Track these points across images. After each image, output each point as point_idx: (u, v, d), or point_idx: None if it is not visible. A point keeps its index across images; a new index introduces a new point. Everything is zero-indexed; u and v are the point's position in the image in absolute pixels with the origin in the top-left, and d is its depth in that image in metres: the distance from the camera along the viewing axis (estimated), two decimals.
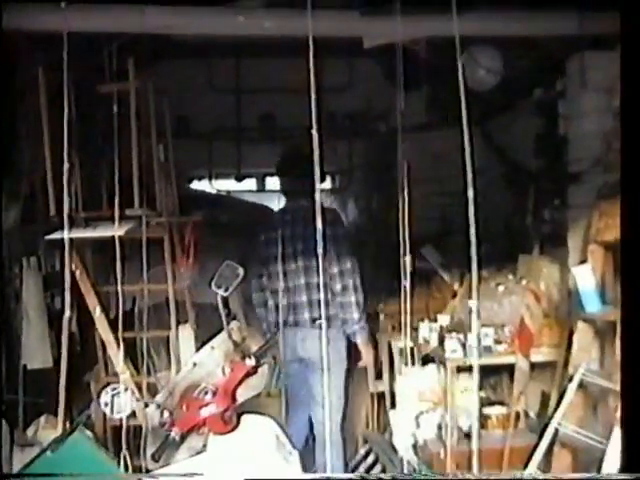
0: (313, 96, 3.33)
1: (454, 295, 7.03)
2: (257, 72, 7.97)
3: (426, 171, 7.93)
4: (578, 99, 5.69)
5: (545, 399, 6.10)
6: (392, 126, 8.27)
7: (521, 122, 6.80)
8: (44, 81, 5.24)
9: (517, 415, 6.07)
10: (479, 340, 6.01)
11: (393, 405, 6.66)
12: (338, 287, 6.12)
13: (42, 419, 5.84)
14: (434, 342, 6.53)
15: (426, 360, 6.60)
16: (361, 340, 6.36)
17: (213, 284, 5.15)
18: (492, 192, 6.62)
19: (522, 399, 6.08)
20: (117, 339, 5.33)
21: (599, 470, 4.62)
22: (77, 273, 5.44)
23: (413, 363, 6.75)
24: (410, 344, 6.89)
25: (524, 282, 6.29)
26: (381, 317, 7.08)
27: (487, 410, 6.32)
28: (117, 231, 4.86)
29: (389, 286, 6.49)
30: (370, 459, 6.68)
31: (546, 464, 5.18)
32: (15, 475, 3.93)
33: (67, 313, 4.67)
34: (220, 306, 5.04)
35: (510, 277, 6.35)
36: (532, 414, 6.22)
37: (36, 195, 5.93)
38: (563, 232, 6.14)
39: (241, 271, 5.17)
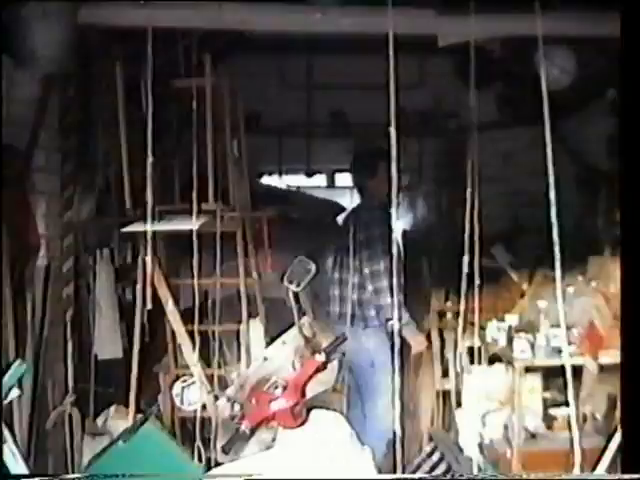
0: (392, 95, 3.31)
1: (522, 295, 7.01)
2: (328, 68, 7.99)
3: (495, 170, 7.92)
4: None
5: (611, 401, 6.07)
6: (462, 124, 8.32)
7: (595, 122, 6.75)
8: (121, 75, 5.30)
9: (584, 417, 6.05)
10: (550, 341, 6.03)
11: (459, 404, 6.65)
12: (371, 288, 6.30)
13: (112, 409, 5.93)
14: (502, 342, 6.52)
15: (494, 360, 6.61)
16: (408, 334, 6.40)
17: (285, 279, 5.20)
18: (564, 192, 6.57)
19: (589, 401, 6.06)
20: (189, 332, 5.40)
21: None
22: (149, 266, 5.49)
23: (480, 362, 6.77)
24: (478, 343, 6.97)
25: (594, 283, 6.26)
26: (448, 315, 7.05)
27: (553, 411, 6.32)
28: (193, 225, 4.92)
29: (457, 284, 6.48)
30: (435, 457, 6.67)
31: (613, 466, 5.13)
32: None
33: (148, 305, 4.78)
34: (292, 301, 5.09)
35: (580, 278, 6.31)
36: (599, 416, 6.18)
37: (110, 188, 6.01)
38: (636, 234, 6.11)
39: (313, 267, 5.21)
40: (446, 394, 7.07)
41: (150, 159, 3.79)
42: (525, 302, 6.82)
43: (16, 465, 3.95)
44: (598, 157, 6.79)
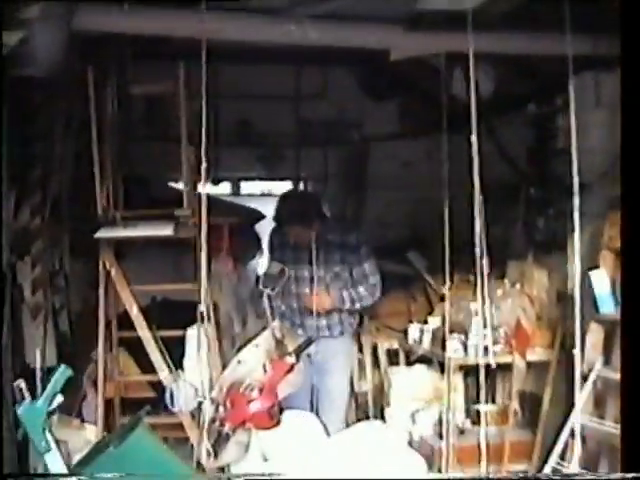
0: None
1: (442, 298, 7.31)
2: (235, 78, 8.06)
3: (399, 178, 8.23)
4: (584, 115, 6.04)
5: (536, 398, 6.43)
6: (365, 134, 8.59)
7: (518, 134, 7.12)
8: (92, 80, 5.28)
9: (515, 412, 6.41)
10: (481, 340, 6.34)
11: (388, 403, 6.88)
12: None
13: (55, 417, 5.85)
14: (426, 343, 6.82)
15: (419, 360, 6.90)
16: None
17: (260, 284, 5.32)
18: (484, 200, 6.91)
19: (517, 397, 6.42)
20: (155, 337, 5.44)
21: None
22: (112, 272, 5.50)
23: (408, 363, 7.07)
24: (399, 345, 7.26)
25: (518, 286, 6.64)
26: (365, 319, 7.26)
27: (481, 407, 6.64)
28: (168, 230, 4.97)
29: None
30: None
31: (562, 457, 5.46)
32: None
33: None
34: (266, 305, 5.22)
35: (506, 281, 6.67)
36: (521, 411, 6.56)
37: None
38: (555, 240, 6.53)
39: (286, 271, 5.35)
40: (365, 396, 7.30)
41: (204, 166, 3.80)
42: (447, 305, 7.12)
43: None
44: (519, 167, 7.18)
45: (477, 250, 4.60)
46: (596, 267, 5.50)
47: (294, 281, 5.72)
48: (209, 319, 5.87)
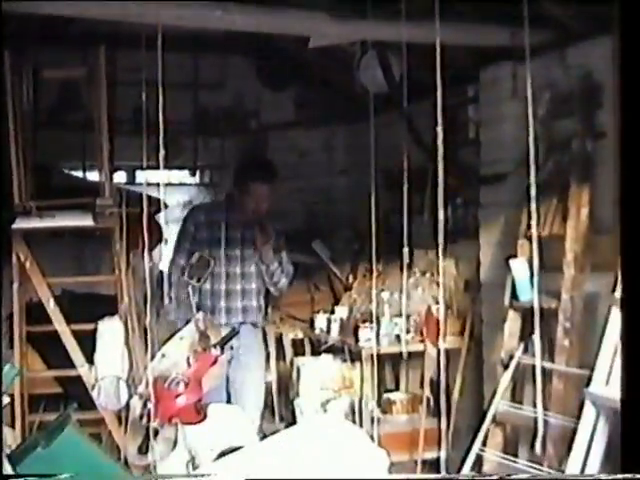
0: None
1: (347, 288, 7.33)
2: (131, 64, 7.87)
3: (297, 167, 8.20)
4: (494, 106, 6.13)
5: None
6: (262, 123, 8.51)
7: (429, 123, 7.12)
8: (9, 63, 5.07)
9: (427, 400, 6.46)
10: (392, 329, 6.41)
11: (297, 394, 6.85)
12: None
13: None
14: (334, 332, 6.82)
15: (325, 350, 6.89)
16: None
17: (186, 275, 5.20)
18: (391, 189, 6.94)
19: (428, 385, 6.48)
20: (72, 331, 5.26)
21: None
22: (27, 264, 5.30)
23: (315, 353, 7.05)
24: (304, 334, 7.24)
25: (428, 275, 6.69)
26: (269, 309, 7.21)
27: (392, 396, 6.70)
28: (89, 220, 4.82)
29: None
30: None
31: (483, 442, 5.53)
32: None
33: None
34: (190, 296, 5.10)
35: (416, 270, 6.71)
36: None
37: None
38: (464, 228, 6.61)
39: (212, 262, 5.25)
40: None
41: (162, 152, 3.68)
42: (354, 294, 7.14)
43: None
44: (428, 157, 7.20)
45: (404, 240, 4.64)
46: (514, 256, 5.55)
47: (224, 262, 5.66)
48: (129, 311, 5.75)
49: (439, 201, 4.19)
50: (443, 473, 4.80)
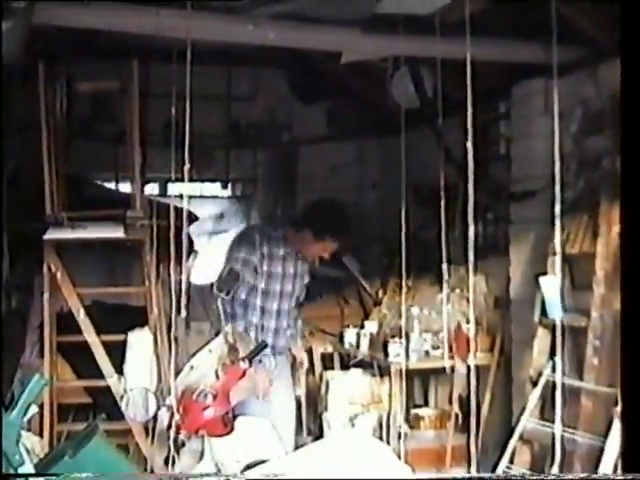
0: None
1: (377, 303, 7.33)
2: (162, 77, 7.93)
3: (328, 181, 8.21)
4: (525, 122, 6.12)
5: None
6: (295, 137, 8.53)
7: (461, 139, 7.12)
8: (43, 75, 5.12)
9: (456, 417, 6.43)
10: (420, 345, 6.40)
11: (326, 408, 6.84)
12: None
13: None
14: (364, 347, 6.81)
15: (354, 365, 6.88)
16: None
17: (215, 288, 5.22)
18: (422, 205, 6.94)
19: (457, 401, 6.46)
20: (102, 342, 5.29)
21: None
22: (58, 275, 5.34)
23: (344, 367, 7.04)
24: (333, 349, 7.23)
25: (457, 290, 6.67)
26: (299, 323, 7.20)
27: (420, 412, 6.68)
28: (117, 233, 4.85)
29: (307, 293, 6.67)
30: None
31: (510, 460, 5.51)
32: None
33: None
34: (220, 309, 5.11)
35: (445, 286, 6.68)
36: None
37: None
38: (494, 245, 6.59)
39: (241, 276, 5.26)
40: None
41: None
42: (384, 309, 7.14)
43: None
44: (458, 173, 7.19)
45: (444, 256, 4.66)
46: (544, 273, 5.53)
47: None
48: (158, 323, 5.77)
49: (469, 217, 4.19)
50: None
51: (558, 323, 5.25)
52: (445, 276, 4.80)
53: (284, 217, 8.19)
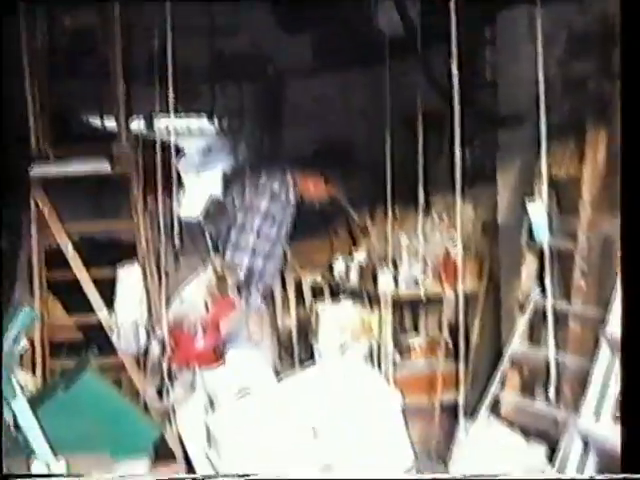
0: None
1: (365, 233, 7.33)
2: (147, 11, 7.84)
3: (314, 112, 8.15)
4: (511, 47, 6.08)
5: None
6: (280, 68, 8.45)
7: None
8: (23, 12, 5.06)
9: (445, 343, 6.47)
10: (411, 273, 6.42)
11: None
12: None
13: None
14: (354, 277, 6.84)
15: (344, 294, 6.92)
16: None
17: (201, 218, 5.23)
18: (407, 133, 6.90)
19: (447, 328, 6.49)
20: (92, 277, 5.30)
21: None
22: (45, 211, 5.33)
23: (334, 298, 7.07)
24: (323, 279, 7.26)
25: (445, 219, 6.68)
26: (288, 255, 7.21)
27: (410, 340, 6.73)
28: (102, 167, 4.84)
29: (295, 225, 6.68)
30: None
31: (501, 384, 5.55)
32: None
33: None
34: (208, 241, 5.12)
35: (434, 214, 6.69)
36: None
37: None
38: (481, 172, 6.58)
39: (226, 205, 5.27)
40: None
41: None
42: (372, 238, 7.14)
43: None
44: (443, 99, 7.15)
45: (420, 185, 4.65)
46: (531, 198, 5.53)
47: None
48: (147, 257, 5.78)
49: (455, 142, 4.18)
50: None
51: (545, 247, 5.31)
52: (421, 200, 4.76)
53: (273, 151, 8.16)
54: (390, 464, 3.47)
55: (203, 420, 4.59)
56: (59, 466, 3.18)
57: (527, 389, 5.57)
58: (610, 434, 4.32)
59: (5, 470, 3.62)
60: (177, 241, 5.34)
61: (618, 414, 4.39)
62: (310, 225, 7.16)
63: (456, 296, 6.34)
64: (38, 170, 5.16)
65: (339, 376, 3.76)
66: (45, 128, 5.44)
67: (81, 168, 5.23)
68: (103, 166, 5.23)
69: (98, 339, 5.59)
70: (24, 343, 3.78)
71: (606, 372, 4.50)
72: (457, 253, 6.45)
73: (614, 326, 4.44)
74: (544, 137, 4.66)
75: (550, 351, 4.94)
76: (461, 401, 6.07)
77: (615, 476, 3.77)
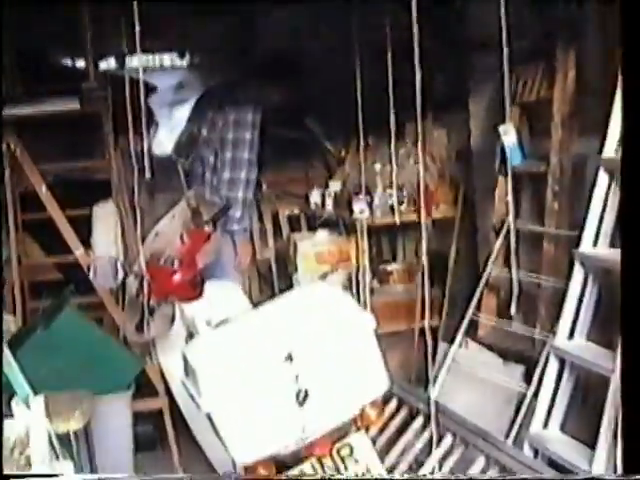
0: None
1: (340, 162, 7.34)
2: None
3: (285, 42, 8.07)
4: None
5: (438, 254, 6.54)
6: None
7: None
8: None
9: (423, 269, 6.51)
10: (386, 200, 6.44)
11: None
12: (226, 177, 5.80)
13: None
14: (329, 206, 6.87)
15: (321, 224, 6.95)
16: (240, 242, 6.12)
17: (173, 153, 5.22)
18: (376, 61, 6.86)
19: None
20: (67, 217, 5.31)
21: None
22: (17, 152, 5.32)
23: (311, 228, 7.10)
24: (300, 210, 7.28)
25: (420, 145, 6.67)
26: (264, 187, 7.21)
27: (388, 267, 6.78)
28: (72, 105, 4.82)
29: (271, 157, 6.66)
30: None
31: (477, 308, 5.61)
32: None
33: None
34: (181, 174, 5.12)
35: (407, 141, 6.69)
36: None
37: None
38: (453, 97, 6.57)
39: (199, 138, 5.25)
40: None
41: None
42: (347, 168, 7.16)
43: None
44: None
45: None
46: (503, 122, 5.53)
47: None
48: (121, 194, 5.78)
49: (415, 67, 4.16)
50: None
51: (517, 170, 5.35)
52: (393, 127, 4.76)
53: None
54: (367, 389, 3.49)
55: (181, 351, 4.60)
56: (38, 402, 3.19)
57: (504, 312, 5.63)
58: (584, 353, 4.39)
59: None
60: (149, 175, 5.33)
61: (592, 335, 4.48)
62: (285, 157, 7.17)
63: (433, 222, 6.43)
64: (7, 110, 5.13)
65: (314, 302, 3.77)
66: (14, 68, 5.40)
67: (50, 107, 5.20)
68: (72, 104, 5.20)
69: (76, 278, 5.61)
70: None
71: (580, 291, 4.55)
72: (432, 179, 6.53)
73: (586, 245, 4.48)
74: (506, 61, 4.64)
75: (513, 271, 5.02)
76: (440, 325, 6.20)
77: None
